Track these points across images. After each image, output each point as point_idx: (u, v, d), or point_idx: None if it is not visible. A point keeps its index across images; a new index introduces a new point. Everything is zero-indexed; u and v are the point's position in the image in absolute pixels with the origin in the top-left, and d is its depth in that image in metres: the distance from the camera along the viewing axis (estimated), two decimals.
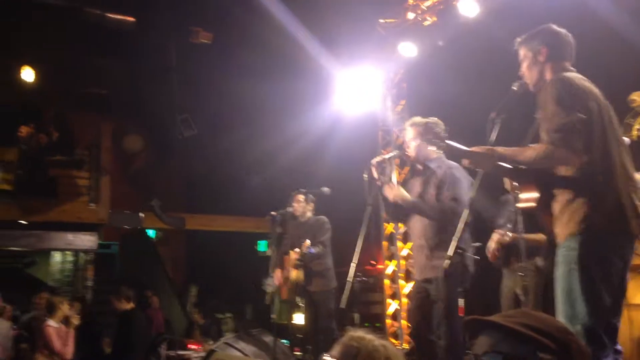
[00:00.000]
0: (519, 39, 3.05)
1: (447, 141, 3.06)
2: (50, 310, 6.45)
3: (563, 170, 2.72)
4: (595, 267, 2.59)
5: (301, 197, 6.23)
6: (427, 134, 4.13)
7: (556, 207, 2.76)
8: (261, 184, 9.26)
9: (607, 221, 2.61)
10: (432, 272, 4.06)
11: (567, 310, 2.60)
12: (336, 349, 2.06)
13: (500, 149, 2.85)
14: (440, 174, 4.16)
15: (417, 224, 4.23)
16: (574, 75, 2.83)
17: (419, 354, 4.18)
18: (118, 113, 10.50)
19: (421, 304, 4.14)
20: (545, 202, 2.82)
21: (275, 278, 6.24)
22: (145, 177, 11.53)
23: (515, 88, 3.16)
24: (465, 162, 2.98)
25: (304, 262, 5.94)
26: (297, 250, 5.90)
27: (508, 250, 5.50)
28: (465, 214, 3.34)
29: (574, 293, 2.58)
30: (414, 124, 4.29)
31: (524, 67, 3.01)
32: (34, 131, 9.24)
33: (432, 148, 4.07)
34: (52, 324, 6.33)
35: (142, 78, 9.64)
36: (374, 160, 4.13)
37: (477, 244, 5.42)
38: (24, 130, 9.20)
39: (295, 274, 6.00)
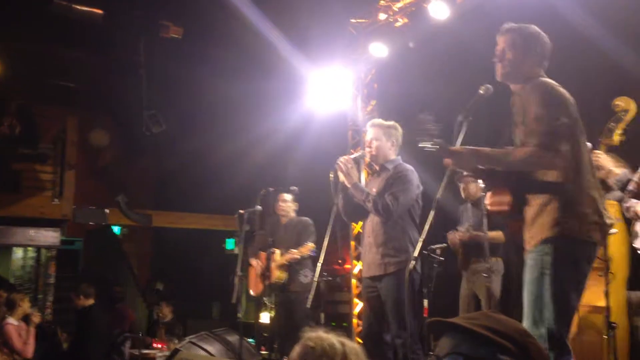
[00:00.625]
0: (509, 25, 2.99)
1: (435, 139, 2.96)
2: (10, 307, 6.32)
3: (540, 175, 2.74)
4: (566, 273, 2.64)
5: (287, 196, 6.17)
6: (388, 136, 4.23)
7: (529, 211, 2.78)
8: (230, 181, 9.17)
9: (578, 228, 2.65)
10: (379, 270, 4.13)
11: (534, 314, 2.62)
12: (295, 351, 2.07)
13: (486, 150, 2.84)
14: (393, 173, 4.24)
15: (368, 222, 4.32)
16: (554, 82, 2.85)
17: (369, 355, 4.18)
18: (85, 107, 10.30)
19: (373, 303, 4.19)
20: (516, 207, 2.84)
21: (253, 266, 6.15)
22: (112, 172, 11.34)
23: (482, 92, 3.16)
24: (447, 161, 2.93)
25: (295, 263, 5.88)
26: (292, 250, 5.80)
27: (467, 250, 5.58)
28: (430, 215, 3.35)
29: (544, 297, 2.61)
30: (375, 125, 4.39)
31: (508, 52, 2.93)
32: (7, 123, 9.04)
33: (392, 149, 4.28)
34: (12, 321, 6.20)
35: (110, 71, 9.47)
36: (340, 160, 4.16)
37: (443, 245, 5.48)
38: None
39: (278, 274, 5.94)
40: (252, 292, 6.49)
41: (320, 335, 2.05)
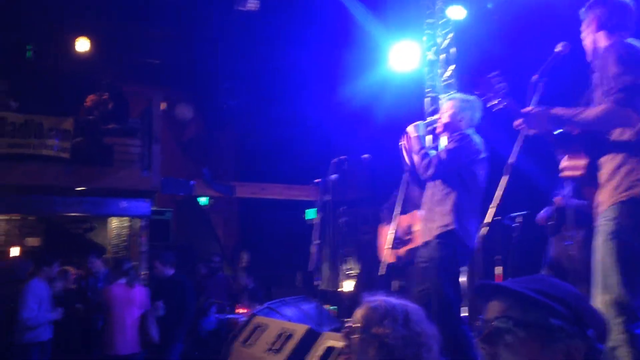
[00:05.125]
0: (582, 9, 2.98)
1: (503, 99, 2.93)
2: (114, 271, 6.72)
3: (617, 135, 2.64)
4: (633, 237, 2.52)
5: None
6: (461, 110, 4.14)
7: (603, 174, 2.68)
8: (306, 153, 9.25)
9: None
10: (427, 236, 4.04)
11: (600, 280, 2.54)
12: (358, 313, 2.10)
13: (557, 109, 2.77)
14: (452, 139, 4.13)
15: (427, 190, 4.22)
16: (635, 42, 2.76)
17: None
18: (169, 82, 10.65)
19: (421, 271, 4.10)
20: (591, 171, 2.74)
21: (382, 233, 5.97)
22: (197, 145, 11.73)
23: (558, 50, 3.08)
24: (517, 122, 2.88)
25: None
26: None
27: (559, 217, 5.37)
28: (502, 182, 3.26)
29: (608, 263, 2.52)
30: (452, 97, 4.33)
31: (583, 35, 2.96)
32: (101, 99, 9.52)
33: (462, 123, 4.12)
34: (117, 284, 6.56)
35: (192, 47, 9.73)
36: (410, 128, 4.13)
37: (522, 213, 5.31)
38: (89, 100, 9.52)
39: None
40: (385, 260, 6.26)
41: (382, 298, 2.09)
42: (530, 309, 1.43)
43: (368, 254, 8.42)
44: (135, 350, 6.34)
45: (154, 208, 10.19)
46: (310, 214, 11.30)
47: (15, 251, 10.21)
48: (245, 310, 8.09)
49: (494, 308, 1.49)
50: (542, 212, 5.45)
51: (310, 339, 3.77)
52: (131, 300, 6.48)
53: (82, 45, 10.13)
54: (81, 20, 9.85)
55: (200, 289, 8.90)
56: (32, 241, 10.81)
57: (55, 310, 6.38)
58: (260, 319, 4.70)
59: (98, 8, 9.37)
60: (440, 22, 7.49)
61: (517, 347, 1.38)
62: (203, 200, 12.48)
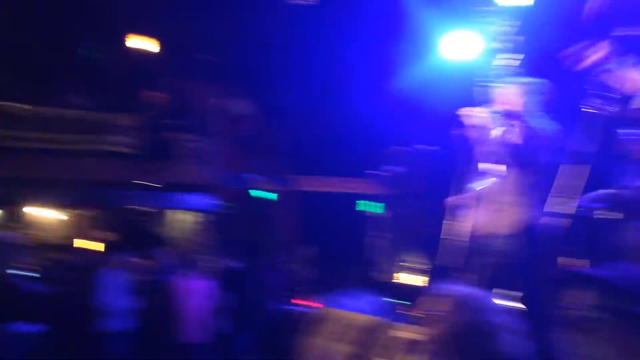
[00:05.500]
0: None
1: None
2: (180, 264, 6.90)
3: None
4: None
5: None
6: (526, 95, 4.00)
7: None
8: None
9: None
10: (504, 229, 3.92)
11: None
12: (428, 307, 2.07)
13: None
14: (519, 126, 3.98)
15: (502, 182, 4.08)
16: None
17: None
18: (227, 78, 10.80)
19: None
20: None
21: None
22: (255, 140, 11.84)
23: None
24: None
25: None
26: None
27: (621, 209, 5.19)
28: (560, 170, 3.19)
29: None
30: (516, 82, 4.27)
31: None
32: (161, 96, 9.78)
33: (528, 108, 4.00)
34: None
35: (248, 43, 9.83)
36: (472, 118, 4.04)
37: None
38: (150, 97, 9.79)
39: None
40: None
41: (449, 288, 2.04)
42: (620, 298, 1.40)
43: (431, 246, 8.35)
44: (201, 340, 6.50)
45: (217, 202, 10.38)
46: (370, 206, 11.28)
47: (86, 243, 10.62)
48: (307, 303, 8.16)
49: (581, 297, 1.47)
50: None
51: (377, 329, 3.77)
52: (197, 292, 6.65)
53: (143, 43, 10.41)
54: (141, 20, 10.10)
55: (262, 281, 9.01)
56: (102, 234, 11.21)
57: (128, 299, 6.60)
58: (325, 310, 4.74)
59: (157, 8, 9.58)
60: (501, 9, 7.32)
61: (606, 335, 1.36)
62: (262, 194, 12.63)
